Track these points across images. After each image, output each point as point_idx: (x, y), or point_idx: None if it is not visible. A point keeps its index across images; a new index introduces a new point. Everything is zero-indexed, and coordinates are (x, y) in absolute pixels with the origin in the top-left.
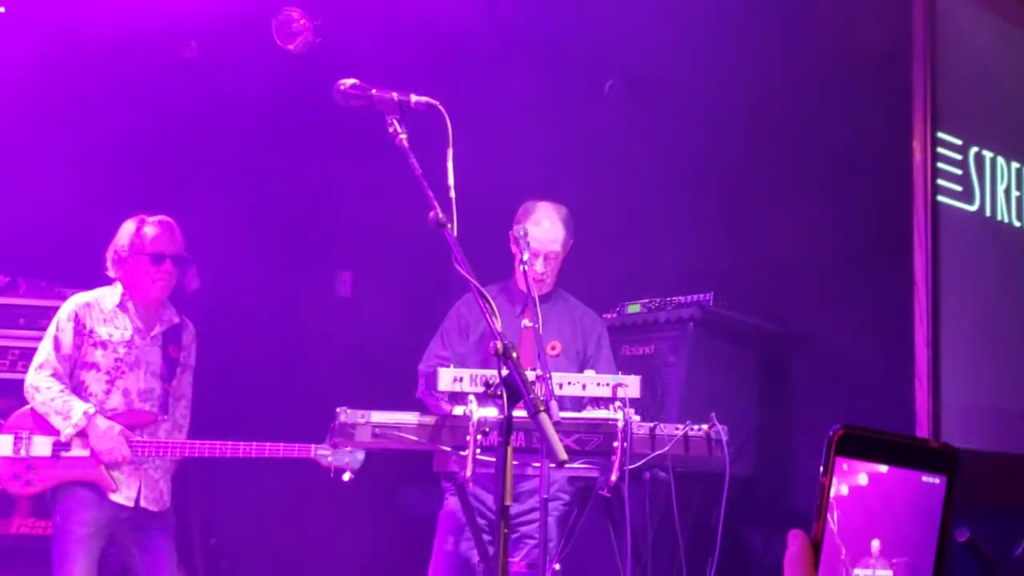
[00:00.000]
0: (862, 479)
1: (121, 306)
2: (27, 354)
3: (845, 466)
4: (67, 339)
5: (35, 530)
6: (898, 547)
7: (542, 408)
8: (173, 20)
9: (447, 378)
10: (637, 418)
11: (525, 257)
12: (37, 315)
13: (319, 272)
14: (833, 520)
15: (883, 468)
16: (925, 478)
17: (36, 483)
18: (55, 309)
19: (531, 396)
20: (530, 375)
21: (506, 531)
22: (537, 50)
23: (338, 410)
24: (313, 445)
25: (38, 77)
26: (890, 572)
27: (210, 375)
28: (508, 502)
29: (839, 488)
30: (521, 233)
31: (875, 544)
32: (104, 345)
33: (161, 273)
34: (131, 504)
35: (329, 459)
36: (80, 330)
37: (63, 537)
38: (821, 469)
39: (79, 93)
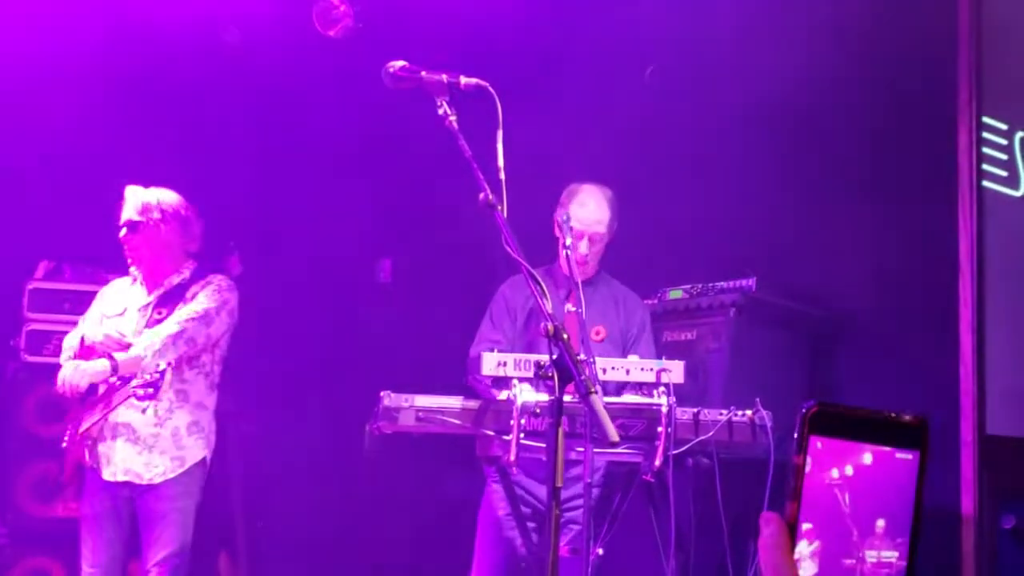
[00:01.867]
0: (867, 459)
1: (134, 280)
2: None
3: (819, 444)
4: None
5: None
6: (902, 527)
7: (593, 389)
8: (214, 5)
9: (491, 362)
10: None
11: (568, 241)
12: (82, 300)
13: (359, 259)
14: (844, 502)
15: (866, 451)
16: (899, 454)
17: (66, 467)
18: (96, 294)
19: (582, 378)
20: None
21: (558, 512)
22: (580, 34)
23: (382, 394)
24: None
25: (81, 63)
26: (896, 553)
27: (252, 362)
28: (559, 483)
29: (845, 470)
30: (564, 218)
31: (880, 524)
32: (100, 323)
33: (123, 241)
34: (116, 479)
35: None
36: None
37: (80, 520)
38: (795, 447)
39: (122, 78)
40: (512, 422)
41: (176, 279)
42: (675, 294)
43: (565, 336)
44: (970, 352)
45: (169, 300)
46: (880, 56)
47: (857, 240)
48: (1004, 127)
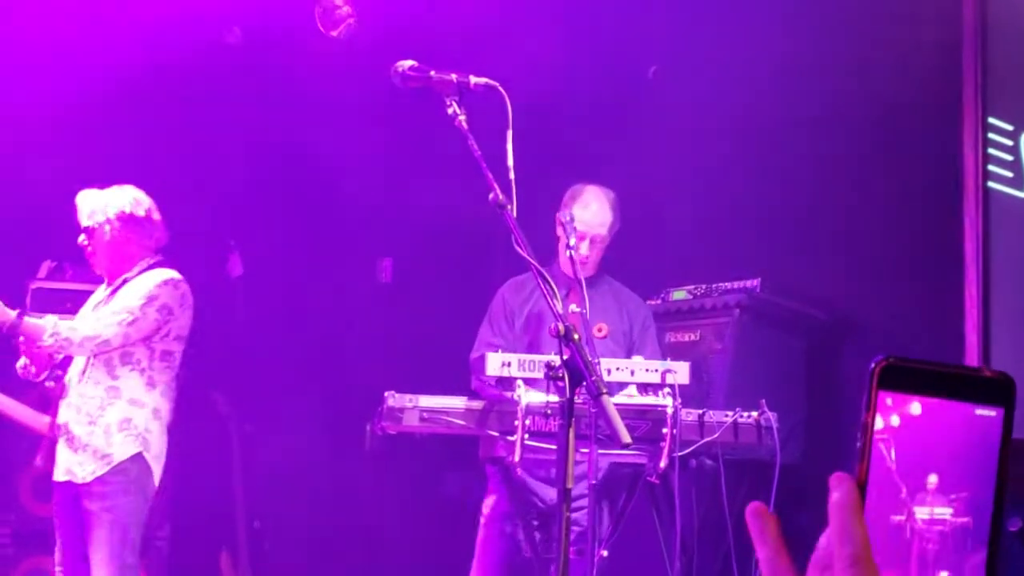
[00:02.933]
0: (915, 409)
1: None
2: None
3: (889, 400)
4: None
5: None
6: (956, 482)
7: (604, 390)
8: (217, 5)
9: (495, 363)
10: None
11: (571, 242)
12: (83, 299)
13: (360, 259)
14: (891, 457)
15: (916, 408)
16: (979, 411)
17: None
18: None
19: (593, 378)
20: None
21: (568, 513)
22: (584, 32)
23: (386, 394)
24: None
25: (84, 62)
26: (950, 509)
27: (253, 361)
28: (570, 484)
29: (889, 420)
30: (567, 218)
31: (932, 479)
32: None
33: (80, 247)
34: (60, 480)
35: None
36: None
37: None
38: (864, 405)
39: (125, 77)
40: (516, 423)
41: (128, 275)
42: (679, 295)
43: (576, 336)
44: (976, 353)
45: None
46: (884, 57)
47: (862, 241)
48: (1009, 128)
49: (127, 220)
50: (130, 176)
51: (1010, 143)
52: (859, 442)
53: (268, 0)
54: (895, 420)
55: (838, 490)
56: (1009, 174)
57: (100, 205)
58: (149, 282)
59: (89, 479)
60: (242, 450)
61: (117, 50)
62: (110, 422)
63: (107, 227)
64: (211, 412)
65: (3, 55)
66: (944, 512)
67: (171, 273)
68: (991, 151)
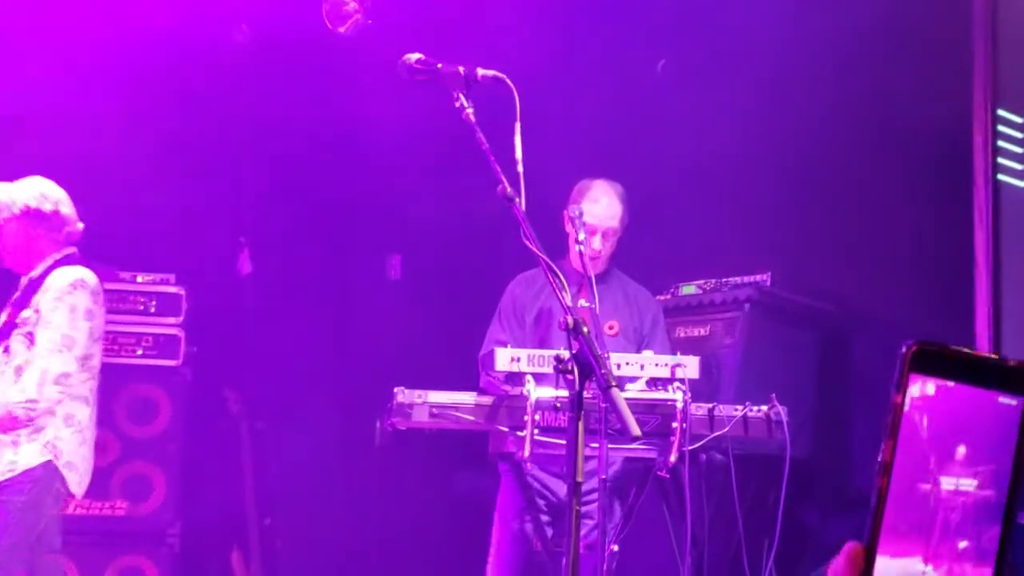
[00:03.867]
0: (949, 384)
1: None
2: None
3: (918, 384)
4: None
5: (91, 511)
6: (983, 456)
7: (614, 383)
8: (224, 3)
9: (504, 358)
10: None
11: (581, 237)
12: None
13: (369, 255)
14: (923, 425)
15: (951, 381)
16: (1002, 399)
17: None
18: (111, 292)
19: (603, 371)
20: None
21: (578, 508)
22: (593, 27)
23: (396, 390)
24: None
25: (89, 60)
26: (975, 481)
27: (262, 359)
28: (580, 478)
29: (926, 389)
30: (576, 213)
31: (961, 450)
32: None
33: None
34: None
35: None
36: None
37: None
38: (894, 385)
39: (130, 75)
40: (526, 418)
41: (34, 274)
42: (688, 289)
43: (585, 329)
44: (986, 346)
45: (19, 302)
46: (894, 49)
47: (872, 235)
48: (1019, 120)
49: (33, 215)
50: (139, 174)
51: (1020, 135)
52: (889, 419)
53: None
54: (931, 389)
55: (841, 557)
56: (1019, 166)
57: (5, 200)
58: (60, 287)
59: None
60: (253, 447)
61: (126, 49)
62: (23, 431)
63: (14, 222)
64: (222, 410)
65: (10, 52)
66: (969, 484)
67: (78, 272)
68: (1001, 143)
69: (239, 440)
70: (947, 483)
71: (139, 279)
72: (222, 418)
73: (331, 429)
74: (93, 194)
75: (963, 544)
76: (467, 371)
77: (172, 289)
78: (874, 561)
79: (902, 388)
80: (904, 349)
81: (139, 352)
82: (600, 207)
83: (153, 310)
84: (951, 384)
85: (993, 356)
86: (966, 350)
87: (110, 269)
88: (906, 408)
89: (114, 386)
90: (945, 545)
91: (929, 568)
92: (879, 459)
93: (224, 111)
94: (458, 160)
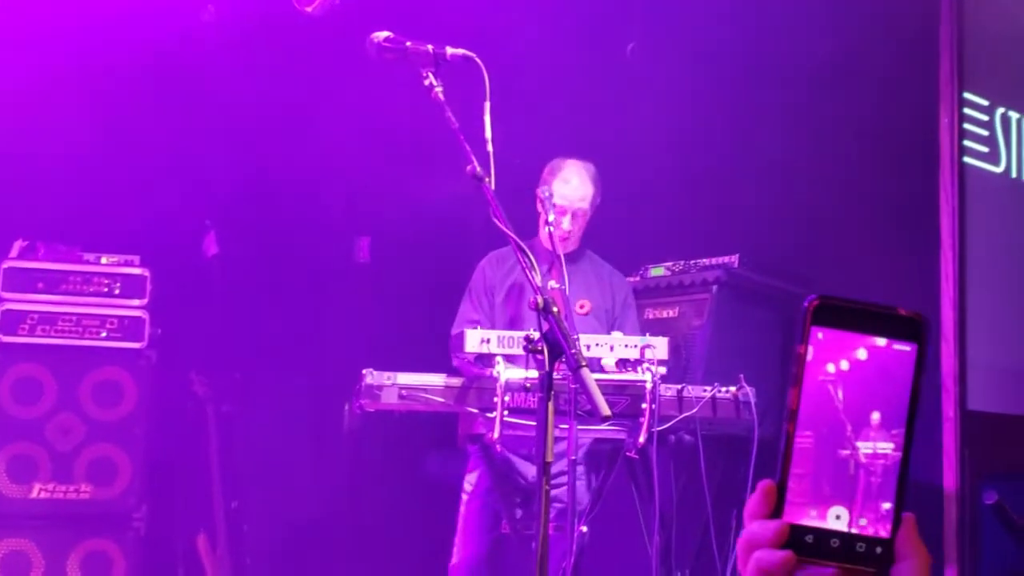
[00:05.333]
0: (860, 354)
1: None
2: (46, 318)
3: (820, 335)
4: None
5: (55, 494)
6: (897, 419)
7: (584, 363)
8: None
9: (474, 339)
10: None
11: (551, 218)
12: (56, 279)
13: (337, 237)
14: (838, 397)
15: (863, 343)
16: (896, 346)
17: None
18: (74, 273)
19: (573, 351)
20: None
21: (547, 488)
22: (564, 7)
23: (364, 372)
24: None
25: (55, 40)
26: (891, 444)
27: (230, 342)
28: (549, 458)
29: (839, 364)
30: (547, 194)
31: (875, 416)
32: None
33: None
34: None
35: None
36: None
37: None
38: (798, 337)
39: (96, 55)
40: (496, 399)
41: None
42: (657, 271)
43: (555, 309)
44: (952, 328)
45: None
46: (861, 32)
47: (839, 217)
48: (985, 103)
49: None
50: (103, 154)
51: (986, 118)
52: (793, 369)
53: None
54: (844, 364)
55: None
56: (985, 149)
57: None
58: None
59: None
60: (219, 430)
61: (90, 27)
62: None
63: None
64: (188, 392)
65: None
66: (886, 447)
67: None
68: (967, 126)
69: (205, 423)
70: (865, 447)
71: (103, 260)
72: (188, 401)
73: (299, 412)
74: (56, 175)
75: (886, 505)
76: (438, 352)
77: (137, 271)
78: (785, 496)
79: (805, 339)
80: (806, 303)
81: (103, 334)
82: (570, 188)
83: (117, 292)
84: (862, 357)
85: (886, 306)
86: (861, 302)
87: (74, 250)
88: (809, 358)
89: (78, 369)
90: (868, 507)
91: (844, 510)
92: (787, 406)
93: (190, 91)
94: (427, 140)
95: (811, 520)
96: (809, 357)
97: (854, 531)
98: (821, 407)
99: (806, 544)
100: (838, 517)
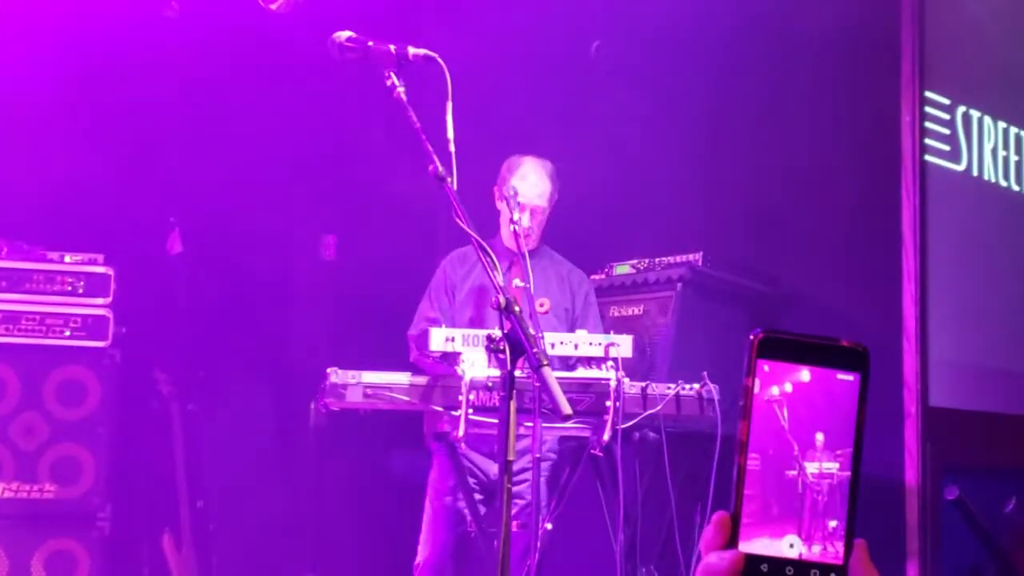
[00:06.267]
0: (803, 376)
1: None
2: (9, 317)
3: (766, 367)
4: None
5: (19, 494)
6: (841, 439)
7: (545, 362)
8: None
9: (439, 338)
10: (626, 379)
11: (516, 216)
12: (20, 278)
13: (303, 235)
14: (783, 418)
15: (806, 371)
16: (840, 375)
17: None
18: (38, 272)
19: (534, 350)
20: None
21: (509, 486)
22: (522, 8)
23: (328, 370)
24: None
25: (13, 34)
26: (836, 464)
27: (195, 340)
28: (511, 457)
29: (783, 386)
30: (511, 192)
31: (820, 437)
32: None
33: None
34: None
35: None
36: None
37: None
38: (744, 370)
39: (58, 53)
40: (460, 397)
41: None
42: (622, 269)
43: (517, 309)
44: (913, 325)
45: None
46: (822, 31)
47: (802, 215)
48: (946, 102)
49: None
50: (67, 153)
51: (947, 116)
52: (741, 402)
53: None
54: (788, 387)
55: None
56: (946, 147)
57: None
58: None
59: None
60: (184, 429)
61: (54, 24)
62: None
63: None
64: (152, 391)
65: None
66: (832, 467)
67: None
68: (928, 124)
69: (170, 422)
70: (811, 467)
71: (67, 259)
72: (152, 400)
73: (264, 410)
74: (19, 173)
75: (833, 523)
76: (403, 351)
77: (100, 269)
78: (739, 527)
79: (752, 372)
80: (752, 337)
81: (67, 333)
82: (528, 185)
83: (81, 291)
84: (805, 379)
85: (829, 338)
86: (805, 335)
87: (37, 249)
88: (756, 391)
89: (42, 368)
90: (816, 525)
91: (803, 548)
92: (737, 438)
93: (154, 88)
94: (392, 139)
95: (765, 549)
96: (756, 390)
97: (808, 559)
98: (767, 428)
99: (761, 573)
100: (791, 545)
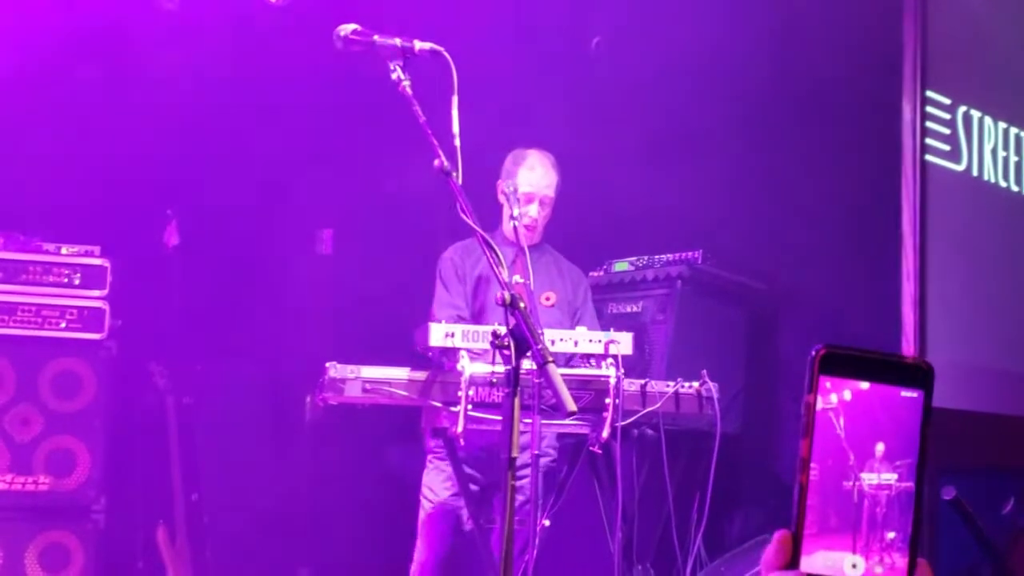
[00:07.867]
0: (862, 385)
1: None
2: (5, 309)
3: (828, 384)
4: None
5: (13, 486)
6: (901, 450)
7: (550, 359)
8: None
9: (438, 333)
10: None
11: (516, 212)
12: (16, 270)
13: (300, 229)
14: (840, 427)
15: (865, 384)
16: (904, 393)
17: None
18: (34, 264)
19: (539, 346)
20: None
21: (513, 482)
22: (524, 4)
23: (327, 365)
24: None
25: (11, 23)
26: (895, 475)
27: (191, 333)
28: (515, 453)
29: (842, 394)
30: (511, 188)
31: (879, 447)
32: None
33: None
34: None
35: None
36: None
37: None
38: (806, 387)
39: (56, 43)
40: (460, 393)
41: None
42: (621, 266)
43: (522, 304)
44: (912, 325)
45: None
46: (824, 30)
47: (802, 213)
48: (947, 101)
49: None
50: (64, 144)
51: (948, 116)
52: (803, 419)
53: None
54: (847, 395)
55: (771, 545)
56: (947, 147)
57: None
58: None
59: None
60: (179, 422)
61: (54, 14)
62: None
63: None
64: (148, 384)
65: None
66: (890, 477)
67: None
68: (929, 124)
69: (165, 415)
70: (869, 479)
71: (63, 251)
72: (148, 392)
73: (260, 404)
74: (16, 164)
75: (891, 535)
76: (401, 345)
77: (97, 261)
78: (800, 547)
79: (814, 389)
80: (813, 353)
81: (63, 325)
82: (536, 175)
83: (78, 282)
84: (864, 387)
85: (892, 354)
86: (869, 351)
87: (34, 241)
88: (819, 407)
89: (38, 360)
90: (874, 536)
91: (861, 559)
92: (799, 455)
93: (152, 80)
94: (391, 133)
95: (826, 567)
96: (819, 407)
97: None
98: (824, 437)
99: None
100: (854, 566)
